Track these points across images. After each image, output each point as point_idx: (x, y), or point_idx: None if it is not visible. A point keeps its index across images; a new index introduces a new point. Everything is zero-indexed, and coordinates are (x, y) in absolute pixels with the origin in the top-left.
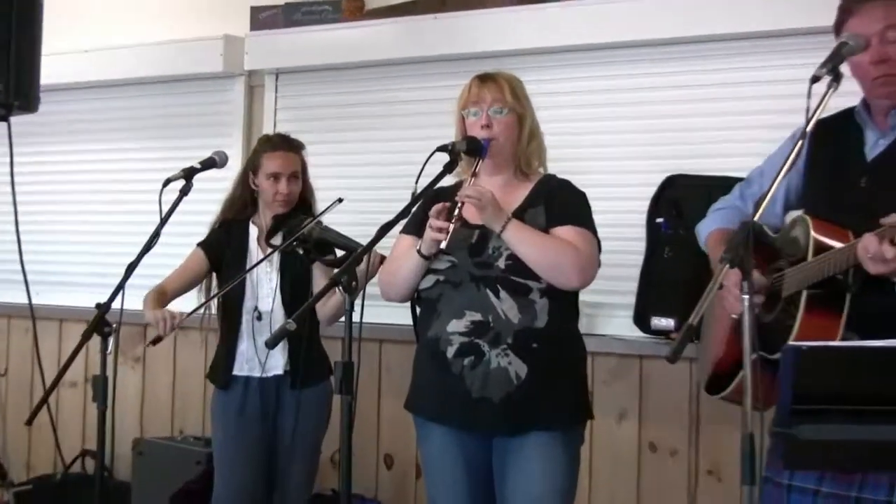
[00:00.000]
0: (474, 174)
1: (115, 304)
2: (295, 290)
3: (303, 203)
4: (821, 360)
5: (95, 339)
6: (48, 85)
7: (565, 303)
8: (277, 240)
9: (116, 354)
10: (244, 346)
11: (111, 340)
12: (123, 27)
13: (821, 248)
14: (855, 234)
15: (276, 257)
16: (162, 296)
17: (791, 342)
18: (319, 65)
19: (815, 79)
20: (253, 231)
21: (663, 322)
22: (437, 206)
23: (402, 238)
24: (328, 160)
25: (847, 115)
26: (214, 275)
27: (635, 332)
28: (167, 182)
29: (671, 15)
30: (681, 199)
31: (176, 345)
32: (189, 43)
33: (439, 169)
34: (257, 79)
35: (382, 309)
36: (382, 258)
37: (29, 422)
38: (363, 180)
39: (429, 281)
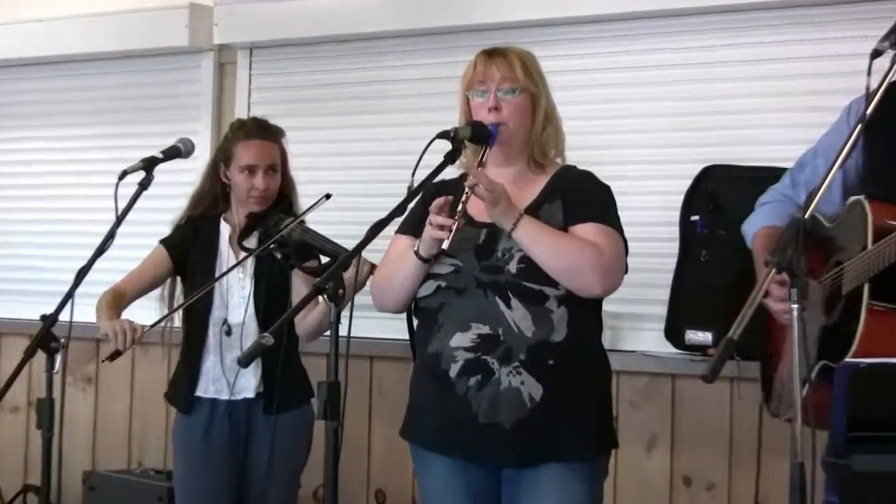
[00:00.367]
0: (481, 164)
1: (64, 316)
2: (271, 300)
3: (282, 199)
4: (881, 378)
5: (40, 357)
6: None
7: (587, 313)
8: (252, 242)
9: (65, 374)
10: (210, 364)
11: (58, 358)
12: None
13: (882, 233)
14: None
15: (249, 262)
16: (118, 300)
17: (847, 358)
18: (300, 38)
19: (876, 53)
20: (224, 229)
21: (699, 336)
22: (438, 201)
23: (397, 239)
24: (311, 149)
25: None
26: (178, 279)
27: (667, 348)
28: (124, 174)
29: None
30: (719, 193)
31: (134, 362)
32: (149, 13)
33: (439, 159)
34: (228, 54)
35: (374, 321)
36: (373, 267)
37: None
38: (351, 172)
39: (428, 288)
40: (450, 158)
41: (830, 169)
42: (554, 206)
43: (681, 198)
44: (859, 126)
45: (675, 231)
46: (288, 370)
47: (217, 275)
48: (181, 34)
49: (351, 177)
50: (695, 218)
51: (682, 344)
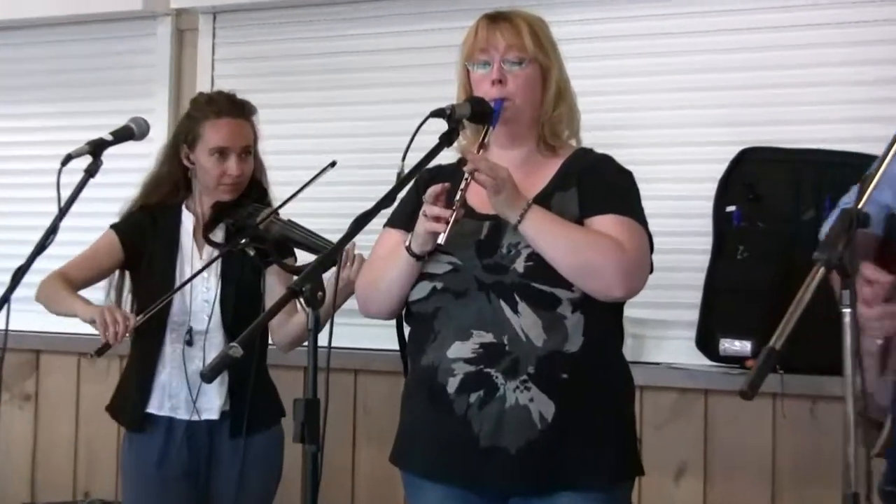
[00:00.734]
0: (482, 147)
1: None
2: (241, 304)
3: (254, 186)
4: None
5: None
6: None
7: (605, 319)
8: (218, 235)
9: None
10: (165, 377)
11: None
12: None
13: None
14: None
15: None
16: (68, 285)
17: None
18: (270, 1)
19: None
20: (187, 219)
21: (736, 345)
22: (433, 189)
23: (385, 233)
24: (282, 130)
25: None
26: (128, 273)
27: (698, 359)
28: (67, 159)
29: None
30: (759, 180)
31: (80, 375)
32: None
33: (434, 141)
34: (188, 20)
35: (359, 328)
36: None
37: None
38: (331, 157)
39: (422, 290)
40: (446, 140)
41: (885, 156)
42: (567, 194)
43: (714, 185)
44: None
45: (707, 224)
46: (257, 385)
47: (178, 272)
48: None
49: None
50: (730, 208)
51: (717, 355)
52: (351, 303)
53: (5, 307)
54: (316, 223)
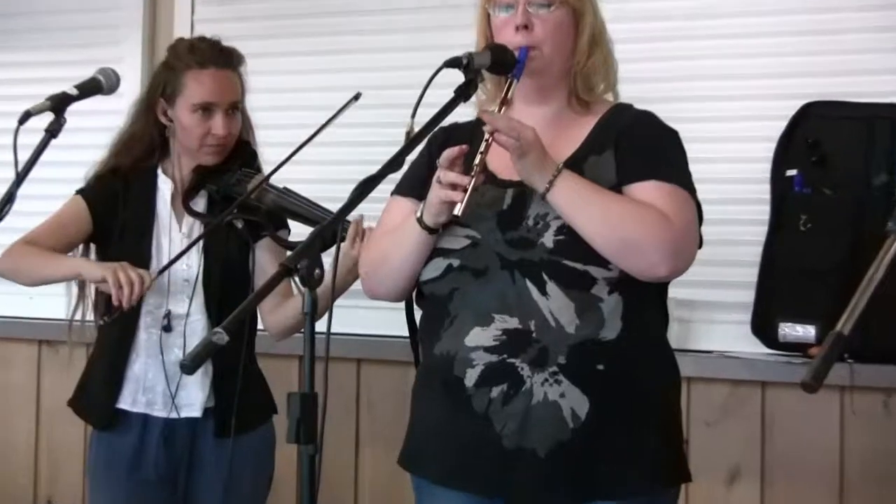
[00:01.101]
0: (504, 103)
1: None
2: (226, 284)
3: (242, 148)
4: None
5: None
6: None
7: (647, 301)
8: (200, 204)
9: None
10: (139, 368)
11: None
12: None
13: None
14: None
15: (195, 231)
16: (45, 249)
17: None
18: None
19: None
20: (164, 185)
21: (798, 330)
22: (449, 151)
23: (393, 202)
24: (272, 82)
25: None
26: (94, 248)
27: (754, 347)
28: (26, 116)
29: None
30: (823, 139)
31: (41, 365)
32: None
33: (449, 95)
34: None
35: (363, 312)
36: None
37: None
38: (329, 114)
39: (436, 268)
40: (463, 94)
41: None
42: (603, 157)
43: (772, 146)
44: None
45: (765, 190)
46: (246, 378)
47: (154, 245)
48: None
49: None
50: (791, 172)
51: (775, 341)
52: (354, 283)
53: None
54: (312, 190)
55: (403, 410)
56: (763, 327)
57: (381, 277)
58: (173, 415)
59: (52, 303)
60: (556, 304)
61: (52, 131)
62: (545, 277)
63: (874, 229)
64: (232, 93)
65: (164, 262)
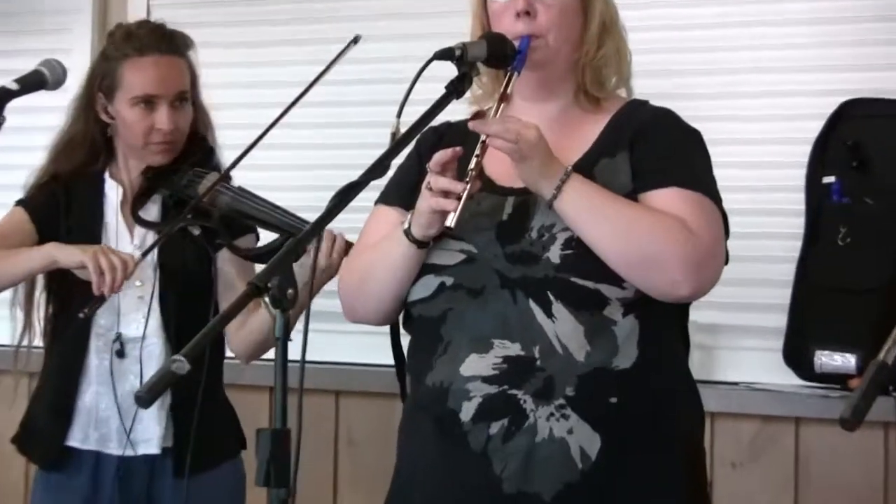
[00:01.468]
0: (503, 99)
1: None
2: (186, 301)
3: (196, 144)
4: None
5: None
6: None
7: (666, 325)
8: (152, 211)
9: None
10: (90, 399)
11: None
12: None
13: None
14: None
15: (150, 242)
16: None
17: None
18: None
19: None
20: (111, 191)
21: (836, 359)
22: (440, 154)
23: (377, 212)
24: (239, 75)
25: None
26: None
27: (787, 378)
28: None
29: None
30: (866, 141)
31: None
32: None
33: (439, 91)
34: None
35: (342, 337)
36: (348, 246)
37: None
38: (304, 111)
39: (427, 286)
40: (455, 90)
41: None
42: (617, 161)
43: (808, 149)
44: None
45: (799, 199)
46: (211, 411)
47: None
48: None
49: (303, 117)
50: (829, 179)
51: (811, 371)
52: (333, 304)
53: None
54: (284, 199)
55: (388, 449)
56: (797, 355)
57: (363, 297)
58: (129, 452)
59: None
60: (563, 328)
61: None
62: (551, 297)
63: None
64: (177, 82)
65: None
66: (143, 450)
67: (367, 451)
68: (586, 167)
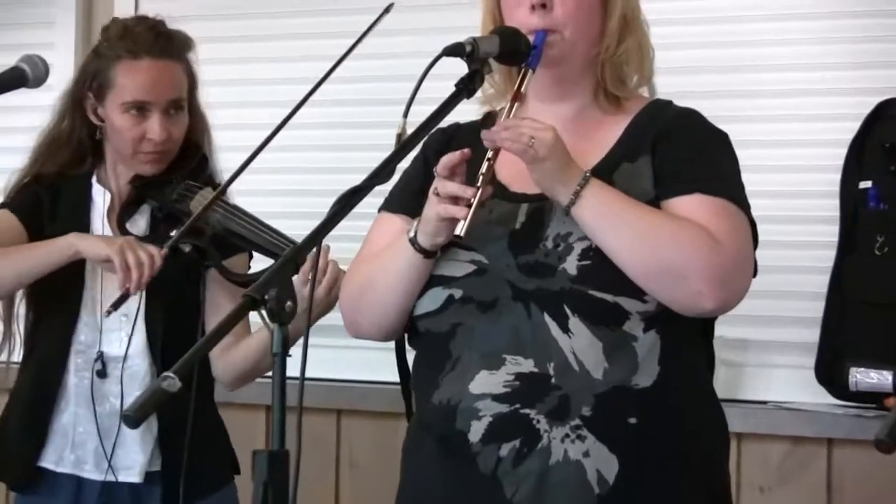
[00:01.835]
0: (517, 98)
1: None
2: (172, 320)
3: (189, 153)
4: None
5: None
6: None
7: (690, 341)
8: (140, 223)
9: None
10: (68, 420)
11: None
12: None
13: None
14: None
15: None
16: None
17: None
18: None
19: None
20: (98, 195)
21: (872, 377)
22: (449, 157)
23: (382, 220)
24: (235, 72)
25: None
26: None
27: (819, 396)
28: None
29: None
30: None
31: None
32: None
33: (449, 89)
34: None
35: (344, 353)
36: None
37: None
38: (304, 111)
39: (434, 299)
40: (466, 88)
41: None
42: (638, 165)
43: (842, 152)
44: None
45: (833, 206)
46: (201, 433)
47: (89, 266)
48: None
49: (302, 117)
50: (865, 184)
51: (845, 390)
52: (334, 318)
53: None
54: (283, 204)
55: (392, 471)
56: (830, 373)
57: (366, 311)
58: (109, 477)
59: None
60: (579, 344)
61: None
62: (567, 311)
63: None
64: (172, 88)
65: (100, 290)
66: (123, 477)
67: (369, 474)
68: (605, 172)
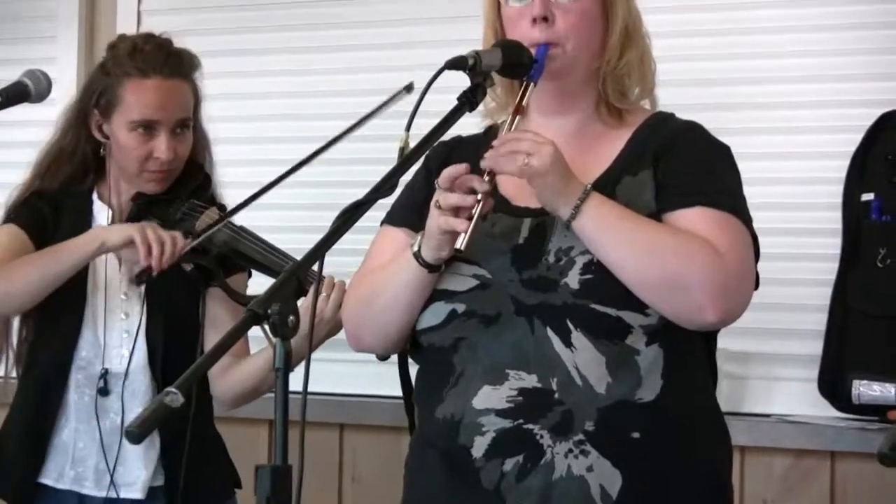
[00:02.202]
0: (518, 111)
1: None
2: (173, 337)
3: (192, 172)
4: None
5: None
6: None
7: (693, 354)
8: None
9: None
10: (68, 436)
11: None
12: None
13: None
14: None
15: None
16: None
17: None
18: None
19: None
20: (100, 212)
21: (875, 389)
22: (450, 170)
23: (384, 233)
24: (235, 86)
25: None
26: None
27: (823, 409)
28: None
29: None
30: None
31: None
32: None
33: (451, 102)
34: None
35: (346, 367)
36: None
37: None
38: (305, 125)
39: (437, 314)
40: (468, 102)
41: None
42: (639, 178)
43: (845, 164)
44: None
45: (836, 219)
46: (201, 448)
47: (90, 284)
48: None
49: (304, 131)
50: (868, 196)
51: (848, 403)
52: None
53: None
54: (285, 218)
55: (395, 486)
56: (833, 385)
57: (369, 325)
58: (111, 494)
59: None
60: (582, 358)
61: None
62: (570, 325)
63: None
64: (180, 108)
65: (100, 315)
66: (125, 493)
67: (372, 489)
68: (607, 185)
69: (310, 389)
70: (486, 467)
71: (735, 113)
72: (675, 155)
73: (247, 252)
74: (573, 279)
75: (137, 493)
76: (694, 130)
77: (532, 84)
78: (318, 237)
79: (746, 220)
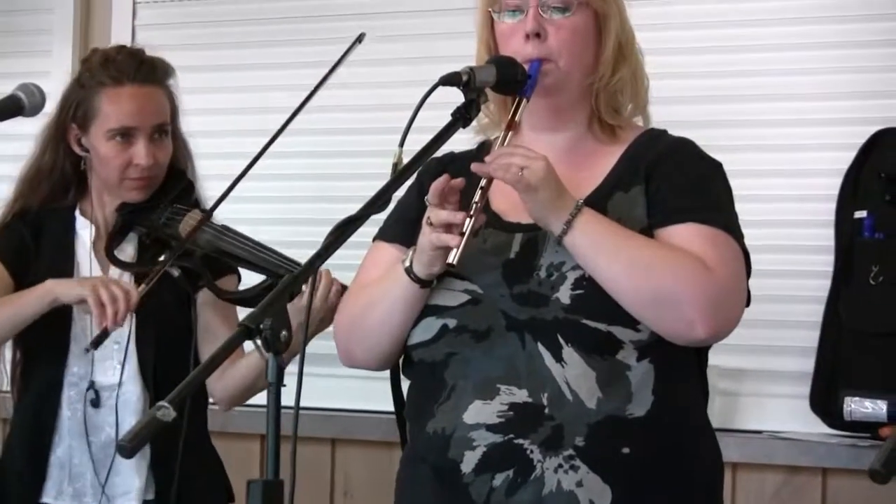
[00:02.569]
0: (511, 127)
1: None
2: (165, 347)
3: (174, 179)
4: None
5: None
6: None
7: (684, 370)
8: (128, 250)
9: None
10: (63, 452)
11: None
12: None
13: None
14: None
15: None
16: None
17: None
18: None
19: None
20: (83, 229)
21: (866, 407)
22: (436, 184)
23: (376, 249)
24: (226, 101)
25: None
26: None
27: (814, 426)
28: None
29: None
30: None
31: None
32: None
33: (444, 118)
34: None
35: (338, 382)
36: (343, 289)
37: None
38: (298, 139)
39: (428, 329)
40: (462, 118)
41: None
42: (631, 195)
43: (838, 182)
44: None
45: (828, 236)
46: (194, 460)
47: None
48: None
49: (296, 147)
50: (860, 214)
51: (840, 419)
52: (328, 347)
53: None
54: (276, 233)
55: (386, 500)
56: (824, 402)
57: (360, 340)
58: None
59: None
60: (573, 373)
61: None
62: (561, 341)
63: None
64: (156, 114)
65: (90, 321)
66: (120, 503)
67: (364, 503)
68: (599, 201)
69: (301, 404)
70: (476, 482)
71: (728, 130)
72: (667, 171)
73: (231, 250)
74: (564, 294)
75: (133, 502)
76: (686, 146)
77: (525, 100)
78: (312, 252)
79: (738, 237)
